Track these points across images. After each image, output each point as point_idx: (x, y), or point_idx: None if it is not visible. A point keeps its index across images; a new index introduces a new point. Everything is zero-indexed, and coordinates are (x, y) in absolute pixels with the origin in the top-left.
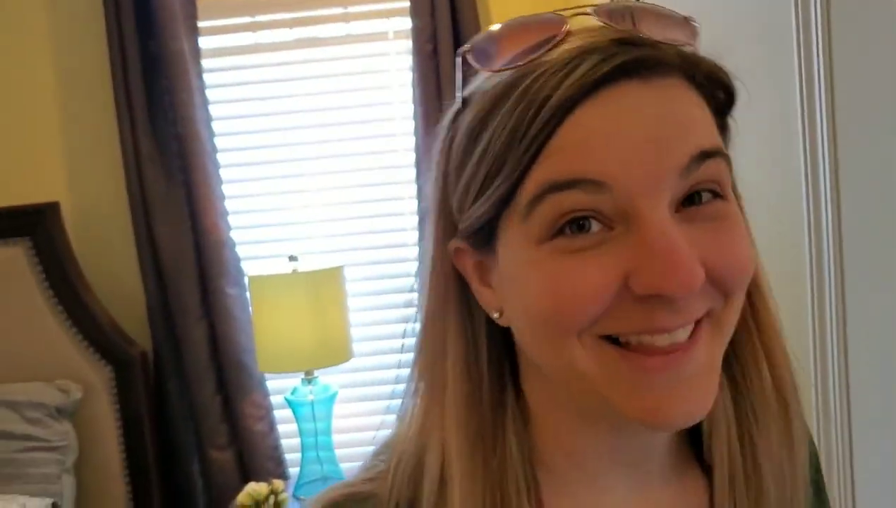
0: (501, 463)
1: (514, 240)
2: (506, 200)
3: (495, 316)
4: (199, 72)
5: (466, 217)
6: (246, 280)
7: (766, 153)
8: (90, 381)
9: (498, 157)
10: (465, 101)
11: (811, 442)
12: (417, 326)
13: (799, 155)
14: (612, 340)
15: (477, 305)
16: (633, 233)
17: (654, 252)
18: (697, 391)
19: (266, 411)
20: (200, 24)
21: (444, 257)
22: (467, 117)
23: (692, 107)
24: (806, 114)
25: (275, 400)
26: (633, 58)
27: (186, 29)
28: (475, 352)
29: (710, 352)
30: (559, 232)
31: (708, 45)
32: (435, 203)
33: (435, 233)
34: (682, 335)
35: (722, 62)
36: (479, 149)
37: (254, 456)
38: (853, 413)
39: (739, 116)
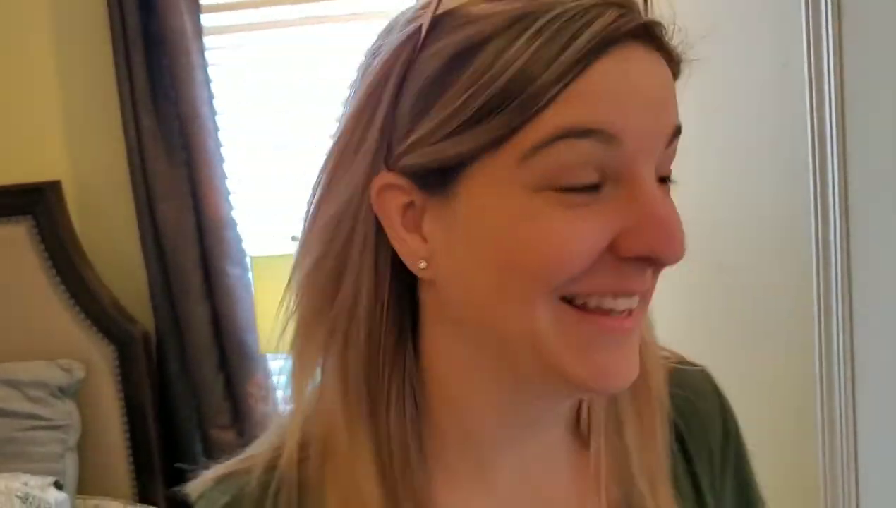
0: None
1: (495, 185)
2: (501, 140)
3: (422, 265)
4: (201, 49)
5: (424, 151)
6: (248, 260)
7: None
8: (93, 360)
9: (504, 91)
10: (438, 19)
11: (719, 397)
12: (302, 276)
13: (807, 147)
14: (568, 302)
15: (388, 254)
16: (624, 194)
17: (655, 217)
18: (633, 357)
19: (268, 391)
20: (202, 0)
21: (365, 194)
22: (450, 37)
23: (673, 82)
24: (814, 101)
25: (278, 380)
26: (647, 22)
27: (188, 5)
28: (381, 309)
29: (641, 323)
30: (554, 185)
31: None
32: (369, 128)
33: (363, 164)
34: (635, 302)
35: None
36: (468, 78)
37: (256, 436)
38: (859, 418)
39: (747, 103)
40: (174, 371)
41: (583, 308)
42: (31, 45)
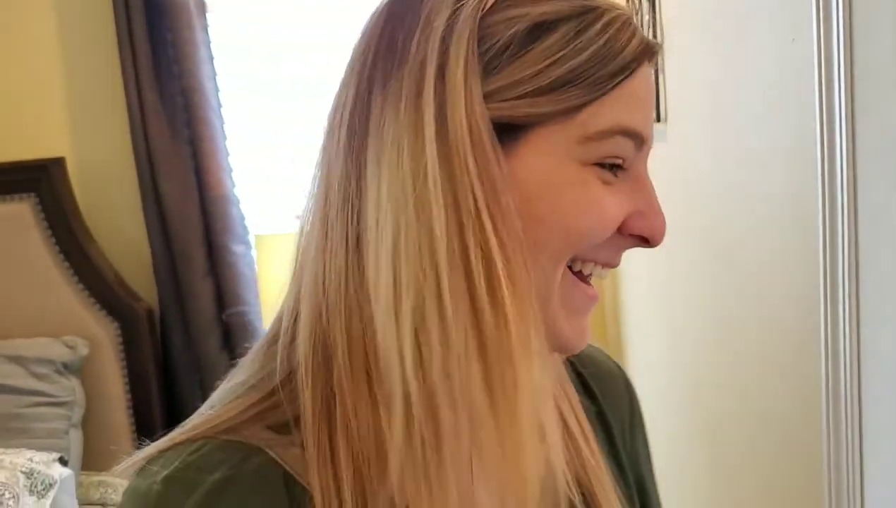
0: None
1: (553, 151)
2: (572, 111)
3: None
4: (204, 26)
5: (492, 106)
6: (252, 238)
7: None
8: (97, 337)
9: (580, 68)
10: None
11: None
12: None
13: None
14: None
15: None
16: (631, 184)
17: (657, 208)
18: None
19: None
20: None
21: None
22: (525, 8)
23: None
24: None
25: None
26: (658, 45)
27: None
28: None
29: None
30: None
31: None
32: (436, 77)
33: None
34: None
35: None
36: (546, 49)
37: None
38: (864, 399)
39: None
40: (178, 347)
41: (578, 274)
42: (34, 22)
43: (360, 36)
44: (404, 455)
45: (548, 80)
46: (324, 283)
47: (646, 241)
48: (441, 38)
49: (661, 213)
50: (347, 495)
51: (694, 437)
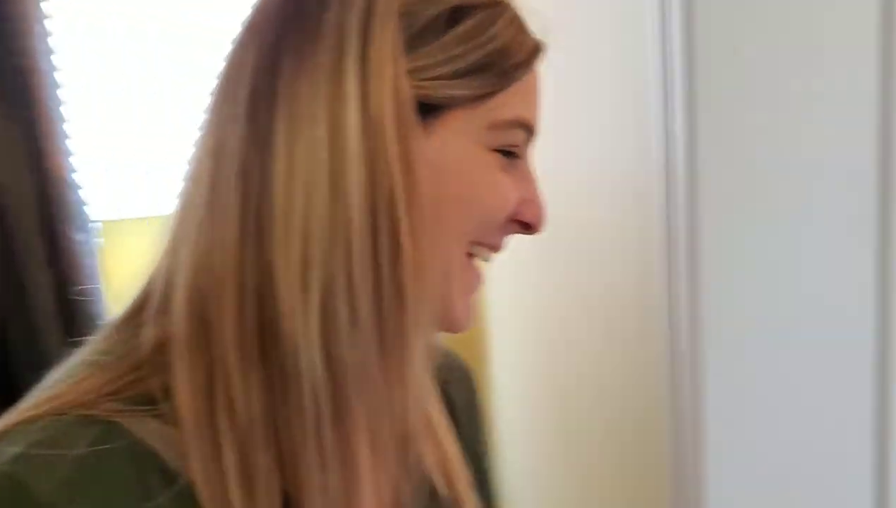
0: None
1: (464, 134)
2: (484, 97)
3: None
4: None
5: (412, 84)
6: (94, 224)
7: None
8: None
9: (492, 56)
10: None
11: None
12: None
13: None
14: None
15: None
16: (519, 173)
17: (540, 197)
18: None
19: None
20: None
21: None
22: None
23: None
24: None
25: None
26: (545, 44)
27: None
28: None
29: None
30: (498, 148)
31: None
32: (361, 49)
33: (343, 87)
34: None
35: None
36: (462, 34)
37: None
38: (704, 384)
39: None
40: (17, 343)
41: (468, 256)
42: None
43: None
44: (301, 428)
45: (464, 64)
46: (209, 254)
47: (527, 227)
48: (363, 11)
49: (544, 202)
50: (230, 468)
51: (549, 432)
